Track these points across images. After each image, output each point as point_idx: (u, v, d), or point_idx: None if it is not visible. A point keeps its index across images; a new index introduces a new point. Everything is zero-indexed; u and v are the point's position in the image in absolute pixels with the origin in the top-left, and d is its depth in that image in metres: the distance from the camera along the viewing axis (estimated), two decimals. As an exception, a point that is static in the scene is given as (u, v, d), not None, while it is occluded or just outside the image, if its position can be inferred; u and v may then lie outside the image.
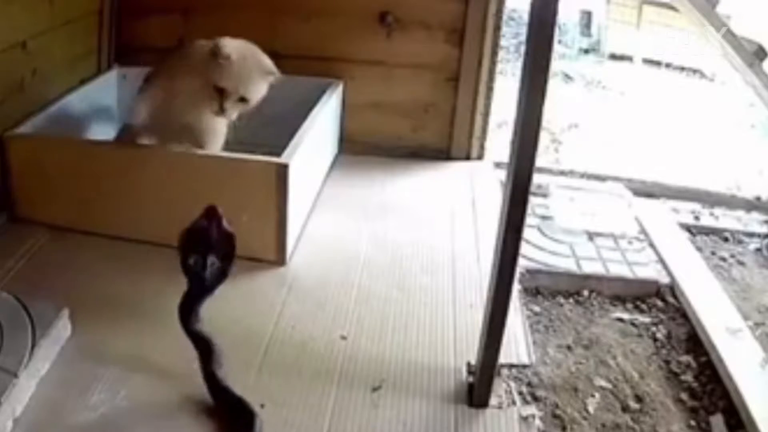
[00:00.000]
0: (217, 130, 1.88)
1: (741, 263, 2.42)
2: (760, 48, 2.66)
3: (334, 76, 2.54)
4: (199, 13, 2.51)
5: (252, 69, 1.72)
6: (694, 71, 5.54)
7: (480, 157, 2.68)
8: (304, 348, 1.62)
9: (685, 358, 1.90)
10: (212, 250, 1.41)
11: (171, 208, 1.92)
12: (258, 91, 1.76)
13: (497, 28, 2.51)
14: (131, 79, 2.31)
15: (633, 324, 2.02)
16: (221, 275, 1.43)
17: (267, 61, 1.78)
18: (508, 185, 1.32)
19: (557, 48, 5.35)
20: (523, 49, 1.29)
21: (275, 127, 2.17)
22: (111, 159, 1.96)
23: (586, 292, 2.14)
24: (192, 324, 1.44)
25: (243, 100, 1.74)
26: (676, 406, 1.73)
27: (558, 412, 1.67)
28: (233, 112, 1.74)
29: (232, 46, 1.71)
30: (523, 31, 1.33)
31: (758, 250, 2.51)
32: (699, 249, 2.44)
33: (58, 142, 2.02)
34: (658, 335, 1.99)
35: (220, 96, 1.73)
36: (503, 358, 1.53)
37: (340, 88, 2.53)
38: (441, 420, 1.45)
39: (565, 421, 1.64)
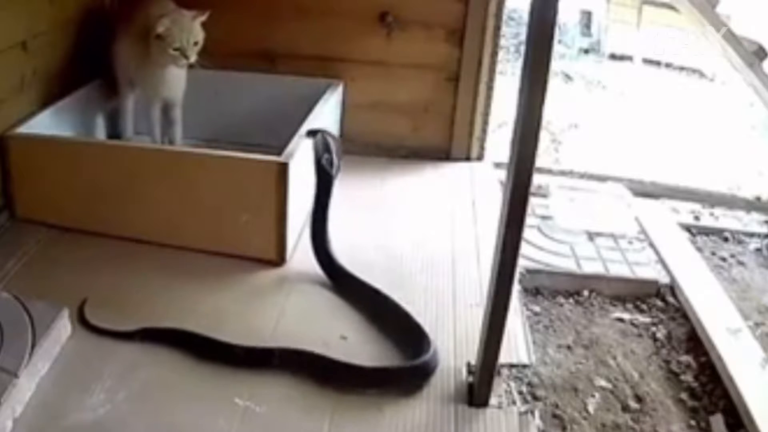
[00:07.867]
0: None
1: (741, 263, 2.42)
2: (760, 48, 2.66)
3: (334, 76, 2.53)
4: (198, 13, 2.52)
5: (187, 21, 2.10)
6: (694, 71, 5.52)
7: (480, 157, 2.68)
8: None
9: (685, 358, 1.90)
10: (333, 150, 1.94)
11: (171, 208, 1.93)
12: (200, 32, 2.13)
13: (497, 28, 2.51)
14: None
15: (633, 324, 2.02)
16: (339, 169, 1.95)
17: (187, 11, 2.15)
18: (508, 185, 1.32)
19: (557, 48, 5.34)
20: (523, 49, 1.29)
21: (275, 127, 2.17)
22: (111, 159, 1.97)
23: (586, 292, 2.14)
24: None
25: (196, 44, 2.11)
26: (676, 406, 1.73)
27: (558, 412, 1.67)
28: (193, 56, 2.12)
29: (161, 23, 2.07)
30: (523, 31, 1.33)
31: (758, 250, 2.51)
32: (699, 249, 2.44)
33: (58, 142, 2.02)
34: (658, 335, 1.99)
35: (180, 51, 2.09)
36: (503, 358, 1.52)
37: (340, 89, 2.52)
38: (441, 420, 1.45)
39: (565, 421, 1.65)
